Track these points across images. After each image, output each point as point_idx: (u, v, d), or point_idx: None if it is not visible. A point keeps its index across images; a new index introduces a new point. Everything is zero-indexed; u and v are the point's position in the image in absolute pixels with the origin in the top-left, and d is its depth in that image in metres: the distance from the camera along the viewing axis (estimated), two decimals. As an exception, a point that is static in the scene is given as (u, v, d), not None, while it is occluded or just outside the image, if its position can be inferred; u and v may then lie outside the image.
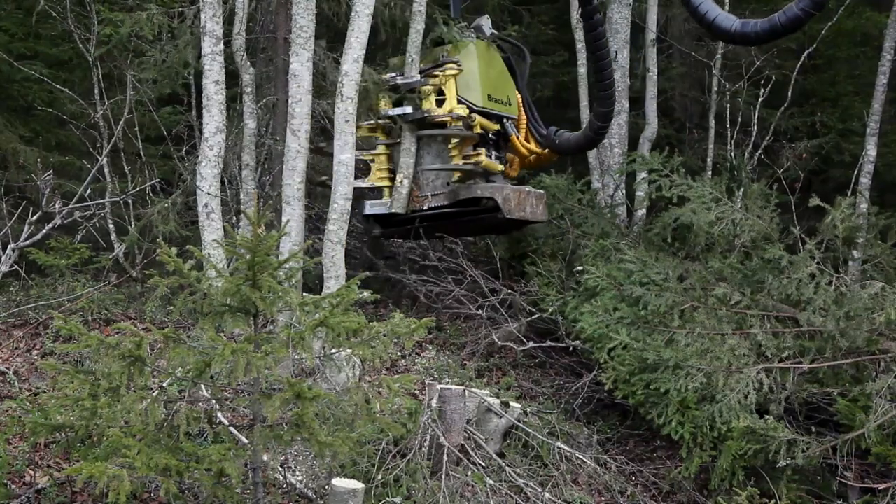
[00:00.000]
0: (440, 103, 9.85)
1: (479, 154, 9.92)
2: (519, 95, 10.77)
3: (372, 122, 10.19)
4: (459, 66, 9.86)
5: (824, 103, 15.97)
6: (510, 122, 10.58)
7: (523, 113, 10.79)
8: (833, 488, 7.40)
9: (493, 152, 10.47)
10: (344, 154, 8.91)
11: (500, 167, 10.35)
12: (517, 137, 10.60)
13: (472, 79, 9.98)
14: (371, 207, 10.10)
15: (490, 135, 10.35)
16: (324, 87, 10.79)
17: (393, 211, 9.92)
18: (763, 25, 5.96)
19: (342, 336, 5.79)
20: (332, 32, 11.81)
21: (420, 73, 9.76)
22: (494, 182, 10.18)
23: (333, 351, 6.45)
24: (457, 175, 9.87)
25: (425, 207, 9.95)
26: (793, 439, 7.14)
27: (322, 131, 11.67)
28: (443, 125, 9.82)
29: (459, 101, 9.83)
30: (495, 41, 10.64)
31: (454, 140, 9.83)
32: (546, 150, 10.74)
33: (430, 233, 10.44)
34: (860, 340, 7.58)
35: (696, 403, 7.52)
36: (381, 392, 6.34)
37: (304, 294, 6.58)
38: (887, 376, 7.26)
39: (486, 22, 10.43)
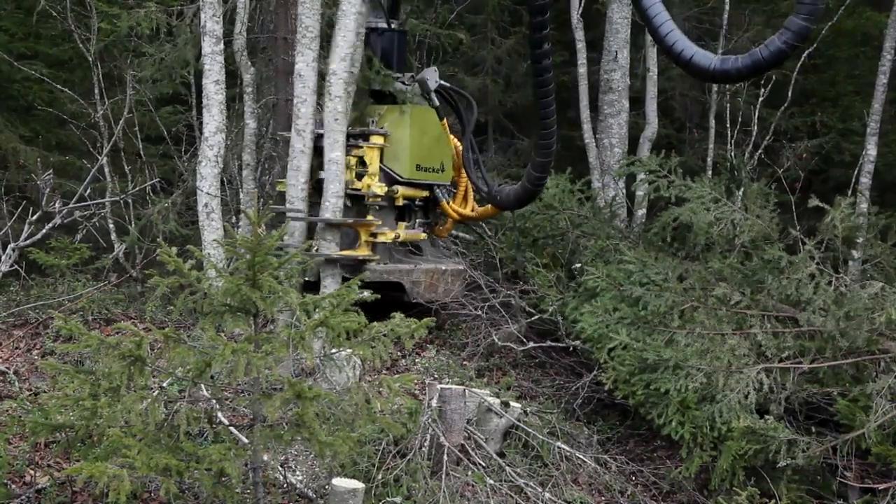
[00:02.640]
0: (360, 176, 9.45)
1: (386, 234, 9.48)
2: (460, 149, 10.26)
3: None
4: (386, 138, 9.48)
5: (824, 103, 15.98)
6: (441, 188, 10.25)
7: (462, 174, 10.26)
8: (833, 488, 7.40)
9: (418, 220, 10.19)
10: (334, 152, 8.92)
11: (423, 236, 10.05)
12: (448, 203, 10.10)
13: (401, 149, 9.57)
14: None
15: (416, 202, 10.06)
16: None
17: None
18: (745, 61, 5.70)
19: (342, 336, 5.79)
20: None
21: (346, 136, 9.19)
22: (419, 248, 10.00)
23: (334, 351, 6.46)
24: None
25: None
26: (793, 439, 7.14)
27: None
28: (361, 198, 9.43)
29: (383, 171, 9.50)
30: (442, 91, 10.03)
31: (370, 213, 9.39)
32: (488, 208, 10.25)
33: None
34: (860, 340, 7.58)
35: (696, 403, 7.52)
36: (381, 392, 6.34)
37: (305, 294, 6.58)
38: (887, 376, 7.26)
39: (431, 75, 9.81)
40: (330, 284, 8.92)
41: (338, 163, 8.92)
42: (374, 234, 9.41)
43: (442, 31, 13.88)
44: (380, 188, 9.35)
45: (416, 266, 9.72)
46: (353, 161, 9.42)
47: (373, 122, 9.61)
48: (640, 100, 13.69)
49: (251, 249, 5.54)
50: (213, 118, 9.35)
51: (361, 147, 9.46)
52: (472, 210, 10.35)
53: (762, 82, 13.47)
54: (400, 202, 9.69)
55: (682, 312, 8.22)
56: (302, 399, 5.48)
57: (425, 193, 10.00)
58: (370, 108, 9.84)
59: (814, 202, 8.47)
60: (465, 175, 10.21)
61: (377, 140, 9.47)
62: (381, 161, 9.55)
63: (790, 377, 7.59)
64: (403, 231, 9.70)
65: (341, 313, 5.79)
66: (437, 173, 9.96)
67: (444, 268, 9.92)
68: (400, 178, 9.57)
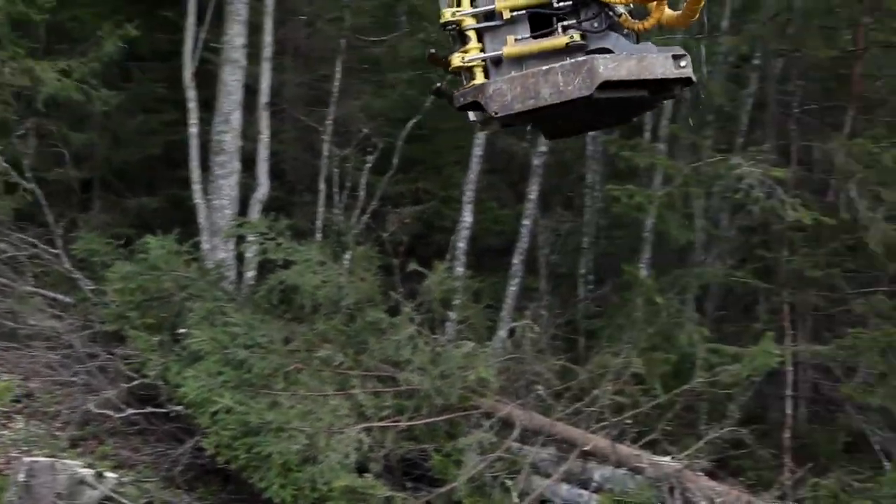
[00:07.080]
0: None
1: None
2: None
3: None
4: None
5: (429, 171, 16.76)
6: None
7: None
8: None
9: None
10: None
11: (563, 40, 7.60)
12: None
13: None
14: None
15: None
16: None
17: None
18: None
19: None
20: None
21: None
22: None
23: None
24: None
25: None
26: (390, 496, 7.34)
27: None
28: None
29: None
30: None
31: None
32: None
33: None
34: (454, 397, 7.98)
35: (298, 465, 7.55)
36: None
37: None
38: (478, 431, 7.67)
39: None
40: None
41: None
42: None
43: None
44: None
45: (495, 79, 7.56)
46: None
47: None
48: (252, 161, 13.68)
49: None
50: None
51: None
52: None
53: (369, 149, 13.94)
54: None
55: (287, 374, 8.25)
56: None
57: None
58: None
59: (412, 267, 8.84)
60: None
61: None
62: None
63: (389, 435, 7.81)
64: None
65: None
66: None
67: (545, 67, 7.58)
68: None
